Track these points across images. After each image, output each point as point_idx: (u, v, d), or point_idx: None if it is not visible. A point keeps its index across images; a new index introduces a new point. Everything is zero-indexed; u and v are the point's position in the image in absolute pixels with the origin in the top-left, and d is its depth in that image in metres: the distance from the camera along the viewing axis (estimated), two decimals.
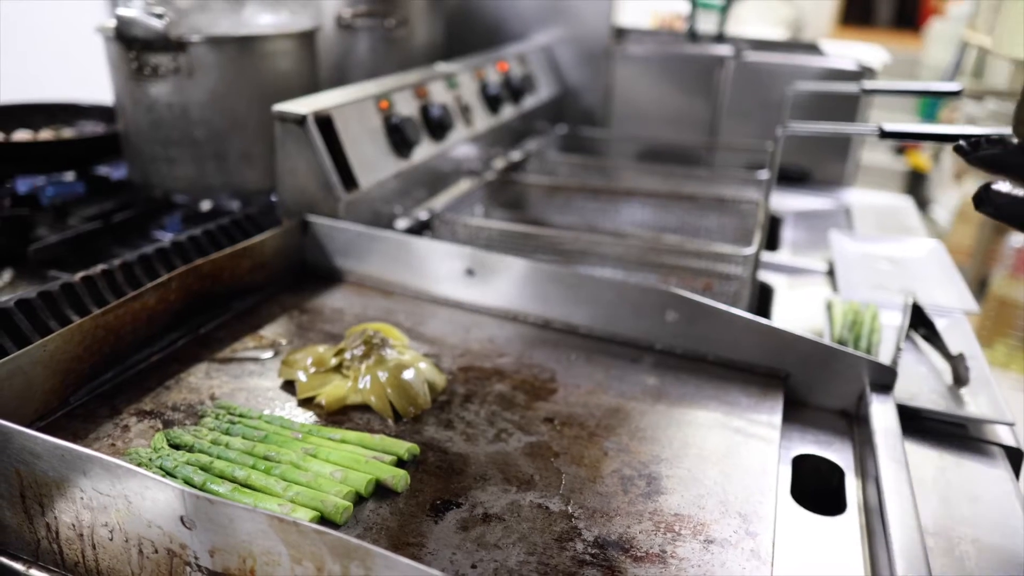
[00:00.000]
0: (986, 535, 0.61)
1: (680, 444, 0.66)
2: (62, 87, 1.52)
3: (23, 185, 1.22)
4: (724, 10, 1.73)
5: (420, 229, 1.10)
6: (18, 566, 0.56)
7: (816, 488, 0.67)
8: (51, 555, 0.56)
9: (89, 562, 0.54)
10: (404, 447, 0.62)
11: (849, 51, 1.82)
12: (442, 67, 1.36)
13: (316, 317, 0.87)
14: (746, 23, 4.26)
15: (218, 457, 0.60)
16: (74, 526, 0.53)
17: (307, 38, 1.20)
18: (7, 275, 0.99)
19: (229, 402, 0.68)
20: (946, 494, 0.66)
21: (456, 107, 1.30)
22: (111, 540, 0.53)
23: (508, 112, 1.50)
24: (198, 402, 0.69)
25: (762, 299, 1.10)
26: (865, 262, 1.15)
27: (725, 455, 0.65)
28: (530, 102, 1.60)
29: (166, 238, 0.92)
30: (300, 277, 0.95)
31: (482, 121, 1.39)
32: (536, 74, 1.67)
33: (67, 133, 1.38)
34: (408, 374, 0.70)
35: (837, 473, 0.67)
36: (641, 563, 0.52)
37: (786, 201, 1.52)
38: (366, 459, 0.60)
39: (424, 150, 1.16)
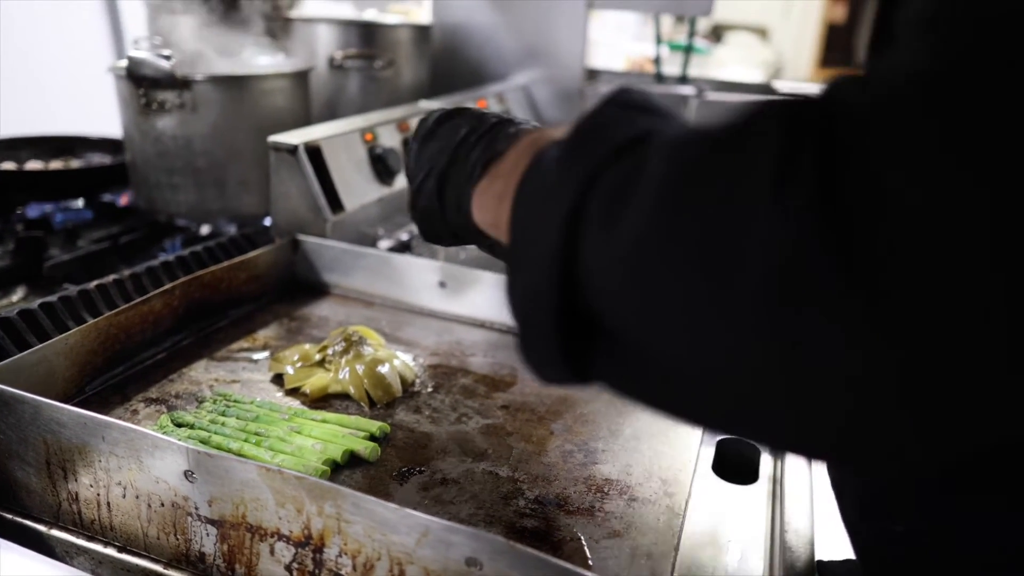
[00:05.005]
0: None
1: (618, 426, 0.76)
2: (72, 122, 1.64)
3: (34, 211, 1.32)
4: (688, 51, 1.87)
5: (401, 249, 1.21)
6: (40, 527, 0.65)
7: (739, 466, 0.77)
8: (71, 516, 0.65)
9: (104, 520, 0.63)
10: (376, 425, 0.72)
11: (805, 90, 1.95)
12: (424, 104, 1.48)
13: (304, 323, 0.97)
14: (726, 65, 4.43)
15: (215, 433, 0.69)
16: (92, 486, 0.63)
17: (301, 77, 1.32)
18: (22, 290, 1.09)
19: (226, 391, 0.78)
20: None
21: None
22: (124, 498, 0.62)
23: None
24: (198, 391, 0.79)
25: None
26: None
27: (656, 435, 0.75)
28: None
29: (171, 254, 1.02)
30: (291, 289, 1.05)
31: None
32: (514, 111, 1.79)
33: (76, 163, 1.49)
34: (383, 367, 0.80)
35: (757, 453, 0.77)
36: (573, 515, 0.62)
37: None
38: (343, 435, 0.70)
39: (404, 179, 1.27)
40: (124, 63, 1.16)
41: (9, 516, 0.65)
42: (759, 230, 0.27)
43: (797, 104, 0.29)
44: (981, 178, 0.24)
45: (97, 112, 1.49)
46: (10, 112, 1.63)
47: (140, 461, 0.60)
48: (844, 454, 0.30)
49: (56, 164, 1.46)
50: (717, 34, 5.65)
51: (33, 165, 1.44)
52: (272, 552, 0.57)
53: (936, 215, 0.24)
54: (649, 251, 0.31)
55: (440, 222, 0.55)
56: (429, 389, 0.82)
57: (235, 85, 1.20)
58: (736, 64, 4.47)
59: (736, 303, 0.27)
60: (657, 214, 0.30)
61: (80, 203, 1.37)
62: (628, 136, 0.35)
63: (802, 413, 0.28)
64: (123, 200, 1.40)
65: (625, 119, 0.37)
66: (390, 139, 1.27)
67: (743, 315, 0.27)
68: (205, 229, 1.33)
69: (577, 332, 0.37)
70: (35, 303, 0.81)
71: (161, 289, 0.86)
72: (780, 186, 0.26)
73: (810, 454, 0.39)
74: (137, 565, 0.61)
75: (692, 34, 1.90)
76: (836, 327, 0.26)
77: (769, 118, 0.29)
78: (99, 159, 1.52)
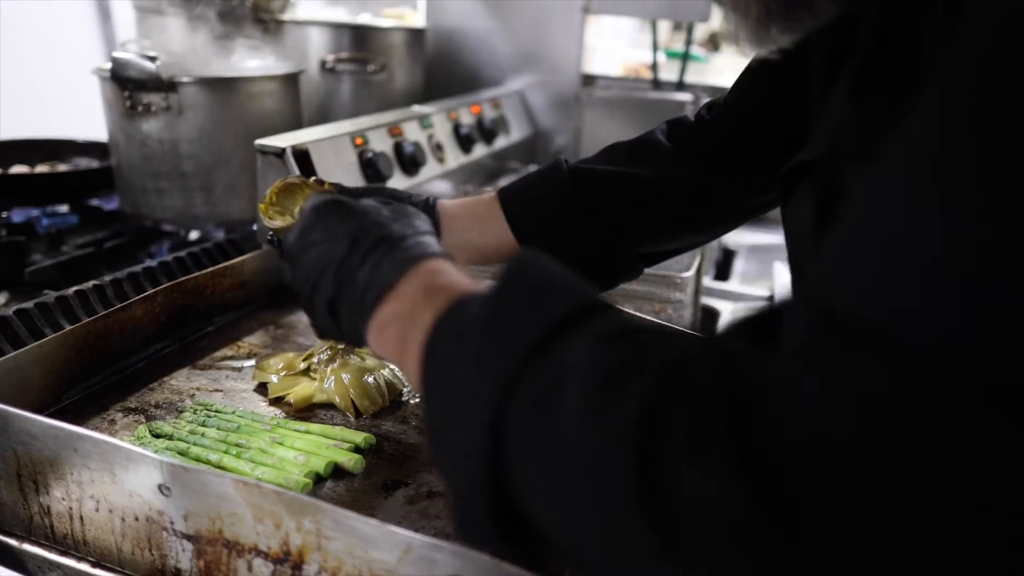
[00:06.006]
0: None
1: None
2: (62, 126, 1.61)
3: (18, 215, 1.30)
4: (685, 58, 1.85)
5: None
6: (12, 542, 0.63)
7: None
8: (42, 530, 0.62)
9: (77, 534, 0.61)
10: (361, 436, 0.69)
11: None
12: (417, 109, 1.46)
13: (291, 331, 0.94)
14: (724, 73, 4.43)
15: (194, 444, 0.67)
16: (64, 500, 0.60)
17: (291, 80, 1.30)
18: (2, 297, 1.06)
19: (207, 400, 0.76)
20: None
21: (429, 145, 1.40)
22: (97, 512, 0.59)
23: (480, 151, 1.59)
24: (179, 401, 0.77)
25: (710, 321, 1.19)
26: None
27: None
28: (502, 142, 1.70)
29: (154, 260, 1.00)
30: (277, 296, 1.03)
31: (454, 159, 1.48)
32: (509, 117, 1.78)
33: (62, 167, 1.47)
34: (369, 377, 0.77)
35: None
36: None
37: (741, 236, 1.61)
38: (327, 446, 0.67)
39: (396, 183, 1.25)
40: (108, 64, 1.14)
41: None
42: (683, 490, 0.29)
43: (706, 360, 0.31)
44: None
45: (87, 116, 1.46)
46: None
47: (113, 474, 0.57)
48: None
49: (42, 168, 1.44)
50: (715, 42, 5.65)
51: (19, 169, 1.42)
52: (250, 569, 0.55)
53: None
54: (577, 487, 0.33)
55: (342, 337, 0.53)
56: (417, 399, 0.79)
57: (222, 88, 1.18)
58: (734, 72, 4.46)
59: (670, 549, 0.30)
60: (581, 458, 0.33)
61: (65, 208, 1.35)
62: (539, 333, 0.36)
63: None
64: (110, 205, 1.38)
65: (533, 309, 0.38)
66: (381, 143, 1.25)
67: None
68: (194, 235, 1.31)
69: (511, 515, 0.37)
70: (11, 310, 0.78)
71: (142, 295, 0.83)
72: (699, 454, 0.29)
73: None
74: None
75: (689, 42, 1.88)
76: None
77: (675, 375, 0.31)
78: (86, 163, 1.50)
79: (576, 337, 0.36)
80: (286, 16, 1.50)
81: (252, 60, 1.34)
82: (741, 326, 0.33)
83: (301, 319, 0.98)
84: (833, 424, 0.26)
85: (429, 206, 0.73)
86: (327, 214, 0.52)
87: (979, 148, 0.26)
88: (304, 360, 0.80)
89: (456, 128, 1.53)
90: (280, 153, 1.04)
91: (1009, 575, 0.25)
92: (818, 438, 0.27)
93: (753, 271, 1.41)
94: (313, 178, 0.74)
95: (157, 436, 0.69)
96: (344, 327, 0.51)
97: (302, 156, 1.07)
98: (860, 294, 0.28)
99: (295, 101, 1.32)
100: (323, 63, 1.57)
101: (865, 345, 0.26)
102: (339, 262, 0.49)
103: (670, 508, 0.29)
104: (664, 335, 0.37)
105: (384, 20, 1.83)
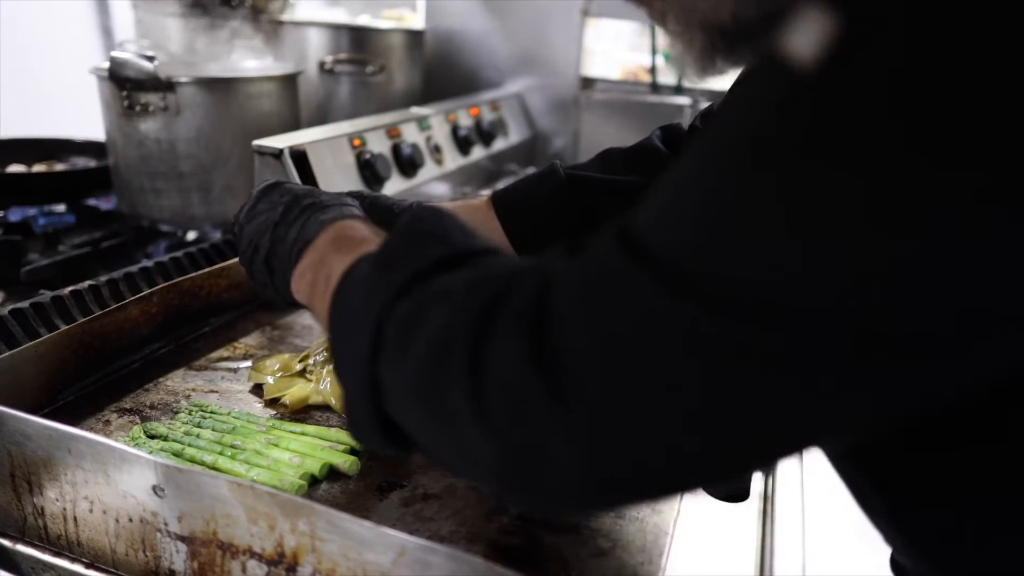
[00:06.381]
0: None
1: None
2: (61, 125, 1.61)
3: (15, 215, 1.30)
4: None
5: None
6: (5, 542, 0.63)
7: (729, 484, 0.74)
8: (36, 531, 0.62)
9: (71, 535, 0.61)
10: None
11: None
12: (415, 110, 1.46)
13: (287, 332, 0.94)
14: (722, 78, 4.44)
15: (189, 445, 0.67)
16: (58, 500, 0.60)
17: (290, 81, 1.30)
18: None
19: (202, 401, 0.76)
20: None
21: (427, 147, 1.40)
22: (91, 513, 0.59)
23: (478, 153, 1.59)
24: (174, 401, 0.77)
25: None
26: None
27: None
28: (500, 144, 1.70)
29: (150, 260, 0.99)
30: None
31: (452, 161, 1.48)
32: (507, 119, 1.78)
33: (59, 167, 1.47)
34: None
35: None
36: (557, 533, 0.60)
37: None
38: (322, 447, 0.67)
39: (394, 185, 1.25)
40: (106, 64, 1.14)
41: None
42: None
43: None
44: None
45: (84, 115, 1.46)
46: None
47: (107, 475, 0.57)
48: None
49: (39, 167, 1.44)
50: None
51: (16, 168, 1.42)
52: (244, 570, 0.55)
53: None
54: (419, 391, 0.41)
55: (275, 292, 0.62)
56: None
57: (220, 88, 1.18)
58: (731, 77, 4.48)
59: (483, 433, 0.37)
60: (416, 385, 0.41)
61: (62, 208, 1.34)
62: (418, 268, 0.44)
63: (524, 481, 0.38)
64: (107, 205, 1.38)
65: (417, 251, 0.45)
66: (379, 145, 1.25)
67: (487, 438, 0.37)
68: (191, 235, 1.31)
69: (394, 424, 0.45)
70: (6, 309, 0.78)
71: (138, 296, 0.83)
72: (508, 346, 0.36)
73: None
74: None
75: None
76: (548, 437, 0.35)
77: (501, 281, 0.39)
78: (84, 163, 1.49)
79: (447, 272, 0.43)
80: (285, 17, 1.50)
81: (251, 61, 1.34)
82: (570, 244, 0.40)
83: (297, 321, 0.98)
84: (595, 326, 0.34)
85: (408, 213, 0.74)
86: (269, 192, 0.63)
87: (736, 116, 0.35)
88: (300, 361, 0.80)
89: (454, 130, 1.53)
90: (278, 154, 1.04)
91: (687, 443, 0.33)
92: (585, 336, 0.34)
93: None
94: None
95: (152, 437, 0.69)
96: (278, 281, 0.60)
97: (299, 157, 1.07)
98: (652, 223, 0.35)
99: (293, 102, 1.32)
100: (322, 64, 1.57)
101: (635, 257, 0.33)
102: (274, 224, 0.60)
103: (485, 389, 0.36)
104: (511, 260, 0.45)
105: (383, 21, 1.83)
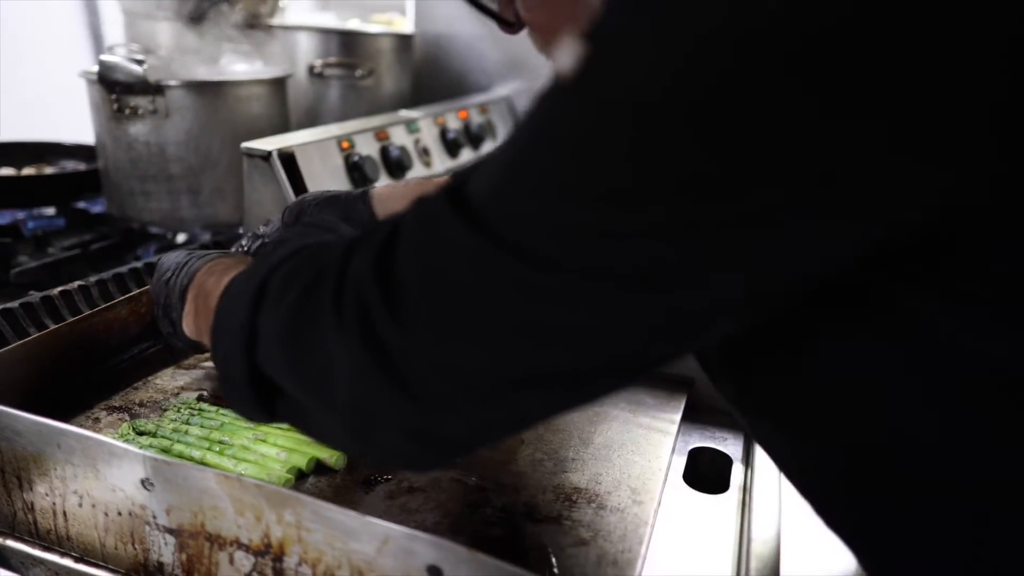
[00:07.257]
0: None
1: (588, 435, 0.75)
2: (45, 128, 1.62)
3: (4, 217, 1.30)
4: None
5: None
6: None
7: (711, 476, 0.76)
8: (26, 526, 0.63)
9: (60, 530, 0.62)
10: None
11: None
12: (404, 113, 1.47)
13: None
14: None
15: (177, 442, 0.68)
16: (47, 495, 0.61)
17: (279, 84, 1.31)
18: None
19: (190, 399, 0.77)
20: None
21: (415, 150, 1.41)
22: (80, 507, 0.60)
23: (467, 156, 1.61)
24: (163, 399, 0.78)
25: None
26: None
27: (627, 444, 0.74)
28: (489, 147, 1.71)
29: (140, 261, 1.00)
30: None
31: (440, 163, 1.49)
32: (496, 122, 1.79)
33: (48, 170, 1.48)
34: None
35: (728, 463, 0.76)
36: (540, 524, 0.61)
37: None
38: (309, 443, 0.68)
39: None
40: (96, 67, 1.15)
41: None
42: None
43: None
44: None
45: (74, 119, 1.47)
46: None
47: (96, 469, 0.58)
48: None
49: (29, 170, 1.44)
50: None
51: (5, 171, 1.42)
52: (231, 561, 0.56)
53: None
54: (284, 343, 0.45)
55: (178, 339, 0.69)
56: None
57: (209, 91, 1.19)
58: None
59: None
60: (288, 320, 0.45)
61: (52, 210, 1.35)
62: (302, 244, 0.49)
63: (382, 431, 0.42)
64: (96, 208, 1.39)
65: (296, 240, 0.52)
66: (368, 147, 1.26)
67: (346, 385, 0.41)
68: (181, 237, 1.32)
69: (264, 384, 0.48)
70: None
71: (127, 295, 0.84)
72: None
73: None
74: None
75: None
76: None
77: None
78: (73, 166, 1.50)
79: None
80: (275, 21, 1.51)
81: (240, 64, 1.35)
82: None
83: None
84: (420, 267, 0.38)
85: (365, 194, 0.80)
86: (162, 261, 0.72)
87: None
88: None
89: (443, 133, 1.54)
90: (266, 156, 1.05)
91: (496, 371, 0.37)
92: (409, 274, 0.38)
93: None
94: None
95: (141, 434, 0.70)
96: (178, 328, 0.67)
97: (288, 159, 1.08)
98: (472, 175, 0.38)
99: (282, 105, 1.33)
100: (311, 68, 1.58)
101: (451, 199, 0.38)
102: (166, 281, 0.68)
103: (344, 302, 0.40)
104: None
105: (372, 26, 1.85)
